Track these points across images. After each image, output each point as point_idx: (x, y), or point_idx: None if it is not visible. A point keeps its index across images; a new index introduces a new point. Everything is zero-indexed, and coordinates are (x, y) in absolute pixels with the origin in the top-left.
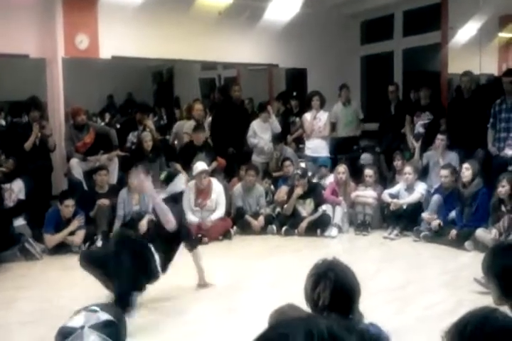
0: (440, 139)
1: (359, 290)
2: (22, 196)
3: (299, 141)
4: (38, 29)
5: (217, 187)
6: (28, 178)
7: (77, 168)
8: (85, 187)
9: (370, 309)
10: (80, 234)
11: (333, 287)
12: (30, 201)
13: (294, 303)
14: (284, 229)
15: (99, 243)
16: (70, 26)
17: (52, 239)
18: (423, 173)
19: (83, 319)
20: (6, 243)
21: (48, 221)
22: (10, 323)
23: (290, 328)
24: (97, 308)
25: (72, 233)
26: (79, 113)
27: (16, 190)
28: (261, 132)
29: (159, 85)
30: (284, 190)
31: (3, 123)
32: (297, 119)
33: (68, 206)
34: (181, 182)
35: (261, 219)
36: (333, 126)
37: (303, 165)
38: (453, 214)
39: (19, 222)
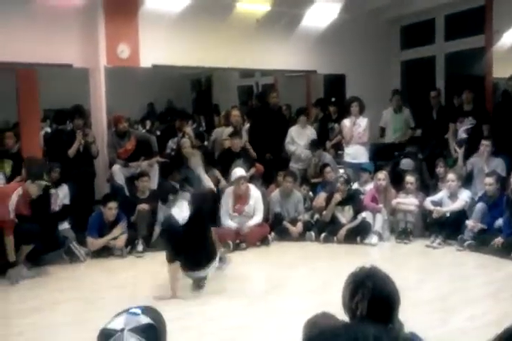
0: (485, 145)
1: (398, 298)
2: (67, 201)
3: (338, 147)
4: (81, 40)
5: (255, 193)
6: (72, 184)
7: (119, 173)
8: (127, 193)
9: (412, 319)
10: (123, 238)
11: (371, 296)
12: (74, 206)
13: (328, 312)
14: (322, 235)
15: (139, 247)
16: (112, 36)
17: (95, 243)
18: (467, 180)
19: (123, 321)
20: (52, 246)
21: (91, 225)
22: (54, 324)
23: (335, 337)
24: (139, 311)
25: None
26: (120, 120)
27: (61, 195)
28: (298, 138)
29: (198, 93)
30: (322, 196)
31: (49, 130)
32: (336, 125)
33: (112, 208)
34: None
35: (299, 225)
36: (383, 131)
37: (342, 171)
38: (499, 222)
39: (64, 226)
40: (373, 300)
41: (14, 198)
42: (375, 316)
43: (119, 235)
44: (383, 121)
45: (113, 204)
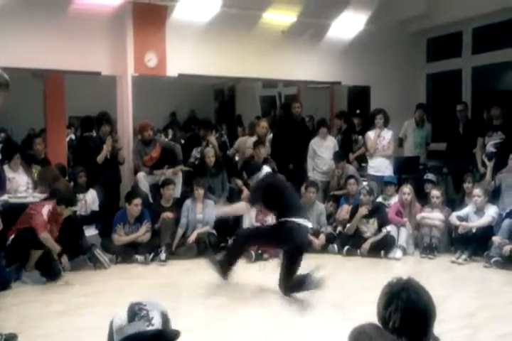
0: None
1: (434, 313)
2: (95, 207)
3: (362, 160)
4: (109, 48)
5: None
6: (99, 189)
7: (144, 181)
8: (150, 200)
9: (439, 336)
10: (148, 235)
11: (405, 308)
12: (100, 211)
13: (374, 322)
14: (345, 248)
15: (162, 255)
16: (140, 45)
17: (120, 239)
18: (494, 196)
19: None
20: (77, 251)
21: (116, 222)
22: (79, 328)
23: None
24: None
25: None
26: (146, 128)
27: (90, 201)
28: (320, 151)
29: (220, 103)
30: (345, 208)
31: (73, 137)
32: (360, 137)
33: (137, 205)
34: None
35: (322, 237)
36: (400, 142)
37: (365, 183)
38: None
39: (91, 232)
40: (407, 312)
41: (45, 212)
42: (408, 329)
43: (144, 233)
44: (403, 132)
45: (138, 201)
